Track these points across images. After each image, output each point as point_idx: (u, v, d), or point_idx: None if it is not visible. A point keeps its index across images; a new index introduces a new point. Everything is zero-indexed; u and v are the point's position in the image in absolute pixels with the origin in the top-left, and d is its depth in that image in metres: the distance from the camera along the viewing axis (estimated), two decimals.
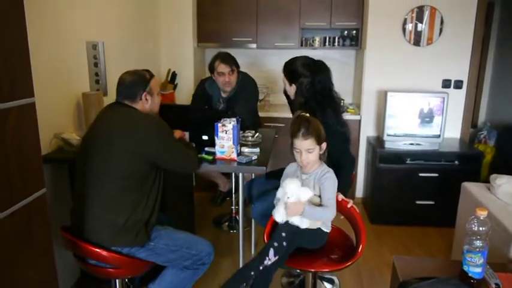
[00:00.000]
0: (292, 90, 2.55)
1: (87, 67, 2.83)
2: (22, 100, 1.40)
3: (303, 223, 1.96)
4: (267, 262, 1.91)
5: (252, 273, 1.90)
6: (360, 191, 4.25)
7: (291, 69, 2.53)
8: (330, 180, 2.02)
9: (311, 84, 2.46)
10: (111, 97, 2.14)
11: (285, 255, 1.98)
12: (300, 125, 1.98)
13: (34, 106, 1.47)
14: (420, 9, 3.79)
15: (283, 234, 1.94)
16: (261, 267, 1.91)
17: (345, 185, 2.28)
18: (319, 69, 2.49)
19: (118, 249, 1.91)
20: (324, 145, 2.03)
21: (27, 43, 1.42)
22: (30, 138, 1.47)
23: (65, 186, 2.51)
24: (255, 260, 1.94)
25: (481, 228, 1.47)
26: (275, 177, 2.42)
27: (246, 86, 3.29)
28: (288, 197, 1.94)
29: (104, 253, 1.87)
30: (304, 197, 1.94)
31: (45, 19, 2.36)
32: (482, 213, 1.47)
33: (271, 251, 1.91)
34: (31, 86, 1.45)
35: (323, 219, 2.04)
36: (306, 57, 2.56)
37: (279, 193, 2.02)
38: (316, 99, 2.43)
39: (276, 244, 1.92)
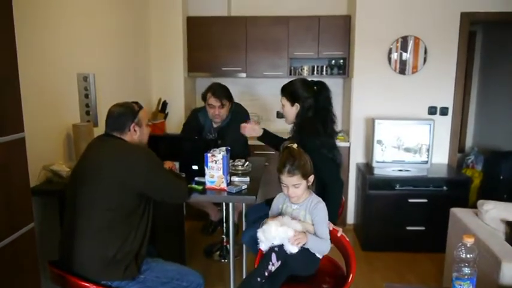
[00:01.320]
0: (293, 110, 2.58)
1: (78, 98, 2.85)
2: (12, 136, 1.41)
3: (294, 247, 1.95)
4: (271, 267, 1.90)
5: (259, 279, 1.89)
6: (350, 217, 4.25)
7: (292, 89, 2.58)
8: (322, 212, 2.03)
9: (314, 103, 2.52)
10: (101, 128, 2.16)
11: (279, 279, 1.97)
12: (286, 161, 2.00)
13: (24, 141, 1.48)
14: (404, 39, 3.91)
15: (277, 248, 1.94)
16: (266, 273, 1.90)
17: (334, 210, 2.29)
18: (321, 88, 2.56)
19: (108, 283, 1.88)
20: (311, 178, 2.05)
21: (18, 79, 1.44)
22: (19, 172, 1.48)
23: (54, 218, 2.48)
24: (259, 267, 1.94)
25: (468, 256, 1.49)
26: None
27: (239, 116, 3.32)
28: (273, 243, 1.93)
29: (93, 287, 1.84)
30: (289, 234, 1.93)
31: (36, 51, 2.39)
32: (469, 241, 1.49)
33: (273, 256, 1.91)
34: (21, 121, 1.46)
35: (320, 252, 2.05)
36: (305, 79, 2.64)
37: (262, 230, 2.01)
38: (319, 118, 2.48)
39: (276, 249, 1.92)
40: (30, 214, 1.53)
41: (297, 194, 2.03)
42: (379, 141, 3.68)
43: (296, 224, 1.95)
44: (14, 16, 1.43)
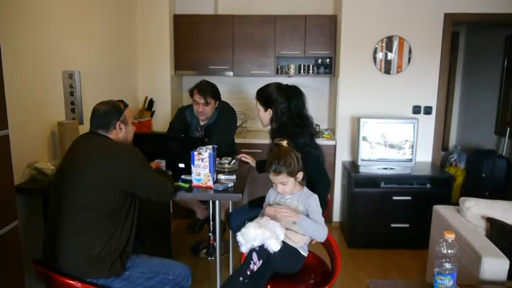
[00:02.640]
0: (267, 115, 2.62)
1: (63, 96, 2.83)
2: None
3: (274, 244, 1.96)
4: (253, 266, 1.92)
5: (241, 278, 1.91)
6: (336, 215, 4.30)
7: (266, 95, 2.61)
8: (315, 202, 2.06)
9: (287, 108, 2.53)
10: (87, 126, 2.15)
11: (263, 277, 1.99)
12: (272, 160, 2.02)
13: (8, 138, 1.47)
14: (389, 39, 3.96)
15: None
16: (248, 272, 1.92)
17: (321, 206, 2.32)
18: (294, 93, 2.58)
19: (93, 281, 1.88)
20: (300, 174, 2.07)
21: (2, 76, 1.43)
22: (3, 170, 1.47)
23: (38, 216, 2.46)
24: (241, 267, 1.95)
25: (449, 251, 1.53)
26: (258, 205, 2.46)
27: (225, 115, 3.34)
28: (253, 244, 1.94)
29: (79, 285, 1.83)
30: (266, 235, 1.94)
31: (21, 48, 2.37)
32: (450, 236, 1.53)
33: (254, 255, 1.92)
34: (5, 118, 1.45)
35: (317, 236, 2.04)
36: (279, 83, 2.65)
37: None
38: (294, 123, 2.50)
39: (256, 248, 1.93)
40: (14, 212, 1.52)
41: (285, 191, 2.05)
42: (364, 138, 3.72)
43: (274, 224, 1.97)
44: None
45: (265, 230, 1.91)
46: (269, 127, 2.69)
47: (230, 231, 2.94)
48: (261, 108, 2.64)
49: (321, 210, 2.06)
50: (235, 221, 2.72)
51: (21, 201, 2.30)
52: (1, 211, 1.45)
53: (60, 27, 2.77)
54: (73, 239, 1.87)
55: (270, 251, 1.92)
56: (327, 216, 2.87)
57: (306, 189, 2.12)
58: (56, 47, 2.73)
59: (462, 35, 5.08)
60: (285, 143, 2.10)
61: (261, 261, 1.93)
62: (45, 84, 2.64)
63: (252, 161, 2.93)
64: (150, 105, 4.20)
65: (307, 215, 2.03)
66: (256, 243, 1.93)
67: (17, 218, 1.52)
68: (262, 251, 1.92)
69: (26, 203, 2.39)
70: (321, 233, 2.02)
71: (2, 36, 1.43)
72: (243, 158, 2.96)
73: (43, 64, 2.60)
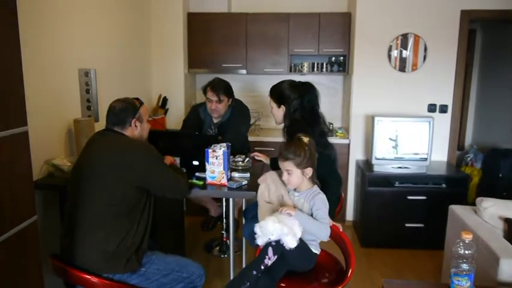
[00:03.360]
0: (280, 112, 2.61)
1: (79, 94, 2.86)
2: (15, 129, 1.42)
3: (291, 241, 1.96)
4: (267, 261, 1.92)
5: (255, 272, 1.91)
6: (350, 214, 4.27)
7: (279, 91, 2.60)
8: (321, 201, 2.04)
9: (300, 104, 2.52)
10: (102, 123, 2.17)
11: (277, 274, 1.99)
12: (283, 147, 2.06)
13: (27, 134, 1.49)
14: (404, 37, 3.92)
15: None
16: (262, 266, 1.92)
17: (331, 206, 2.31)
18: (307, 90, 2.57)
19: (109, 276, 1.90)
20: (308, 170, 2.05)
21: (21, 73, 1.45)
22: (23, 166, 1.49)
23: (55, 212, 2.50)
24: (256, 260, 1.95)
25: (466, 252, 1.50)
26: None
27: (239, 113, 3.34)
28: (270, 238, 1.94)
29: (95, 280, 1.85)
30: (285, 231, 1.93)
31: (39, 47, 2.40)
32: (467, 237, 1.51)
33: (270, 250, 1.92)
34: (24, 115, 1.47)
35: (317, 234, 2.03)
36: (293, 80, 2.65)
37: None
38: (306, 120, 2.49)
39: (273, 243, 1.93)
40: (33, 207, 1.54)
41: (290, 181, 2.06)
42: (378, 137, 3.68)
43: (294, 222, 1.96)
44: (18, 13, 1.44)
45: (284, 226, 1.91)
46: (283, 125, 2.68)
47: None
48: (274, 105, 2.64)
49: (326, 209, 2.05)
50: (250, 214, 2.74)
51: (39, 197, 2.34)
52: (21, 206, 1.47)
53: (76, 27, 2.80)
54: (90, 235, 1.89)
55: (286, 247, 1.92)
56: (340, 215, 2.86)
57: (315, 188, 2.11)
58: (73, 46, 2.77)
59: (479, 32, 5.00)
60: (306, 139, 2.08)
61: (276, 256, 1.93)
62: (62, 82, 2.67)
63: (265, 159, 2.94)
64: (163, 103, 4.23)
65: (311, 214, 2.03)
66: (273, 238, 1.93)
67: (35, 213, 1.55)
68: (278, 246, 1.92)
69: (43, 198, 2.43)
70: (321, 230, 2.00)
71: (21, 35, 1.44)
72: (256, 157, 2.96)
73: (60, 62, 2.63)
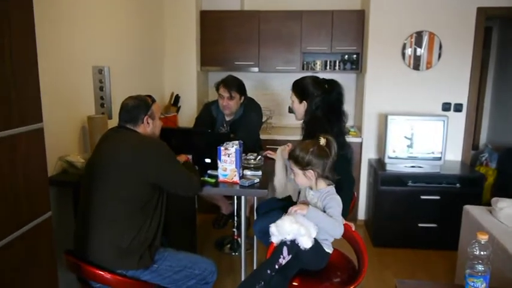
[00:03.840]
0: (301, 108, 2.59)
1: (93, 91, 2.89)
2: (31, 125, 1.44)
3: (306, 241, 1.95)
4: (282, 260, 1.91)
5: (269, 271, 1.90)
6: (362, 213, 4.24)
7: (302, 86, 2.58)
8: (335, 200, 2.03)
9: (323, 101, 2.51)
10: (115, 120, 2.19)
11: (290, 272, 1.98)
12: (295, 146, 2.08)
13: (42, 131, 1.50)
14: (419, 35, 3.87)
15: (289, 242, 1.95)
16: (276, 266, 1.91)
17: (344, 206, 2.30)
18: (332, 87, 2.56)
19: (123, 272, 1.92)
20: (310, 173, 2.01)
21: (37, 70, 1.47)
22: (38, 162, 1.50)
23: (69, 208, 2.53)
24: (270, 259, 1.95)
25: (482, 253, 1.48)
26: (285, 199, 2.49)
27: (251, 111, 3.34)
28: (286, 237, 1.93)
29: (108, 276, 1.87)
30: (302, 232, 1.93)
31: (53, 44, 2.43)
32: (483, 238, 1.48)
33: (285, 249, 1.91)
34: (40, 112, 1.49)
35: (330, 231, 2.00)
36: (316, 76, 2.63)
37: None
38: (328, 118, 2.48)
39: (288, 242, 1.93)
40: (47, 203, 1.56)
41: (296, 180, 2.07)
42: (392, 135, 3.65)
43: (310, 223, 1.95)
44: (34, 10, 1.46)
45: (301, 227, 1.90)
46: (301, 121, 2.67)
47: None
48: (296, 100, 2.61)
49: (339, 208, 2.03)
50: (262, 211, 2.77)
51: (53, 194, 2.36)
52: (36, 202, 1.49)
53: (90, 24, 2.82)
54: (103, 231, 1.91)
55: (301, 247, 1.91)
56: (351, 214, 2.84)
57: (330, 188, 2.07)
58: (87, 43, 2.79)
59: (495, 30, 4.91)
60: (323, 140, 2.05)
61: (290, 256, 1.92)
62: (77, 79, 2.70)
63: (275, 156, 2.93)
64: (176, 101, 4.24)
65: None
66: (289, 238, 1.92)
67: (50, 209, 1.56)
68: (293, 245, 1.92)
69: (57, 195, 2.45)
70: (334, 227, 1.96)
71: (37, 32, 1.46)
72: (268, 155, 2.95)
73: (75, 60, 2.66)
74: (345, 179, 2.42)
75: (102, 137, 2.14)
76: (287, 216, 1.97)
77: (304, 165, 2.01)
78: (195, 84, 4.33)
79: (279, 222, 1.95)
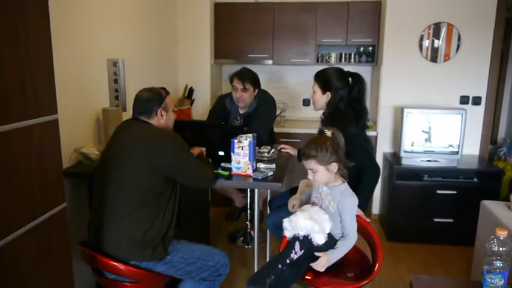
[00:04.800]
0: (323, 99, 2.55)
1: (107, 83, 2.90)
2: (46, 117, 1.44)
3: (320, 238, 1.94)
4: (294, 255, 1.90)
5: (280, 266, 1.89)
6: (376, 207, 4.20)
7: (326, 77, 2.54)
8: (350, 206, 1.98)
9: (347, 94, 2.49)
10: (130, 113, 2.19)
11: (301, 267, 1.97)
12: (306, 145, 1.99)
13: (57, 122, 1.51)
14: (437, 26, 3.79)
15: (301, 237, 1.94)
16: (288, 261, 1.90)
17: (366, 195, 2.28)
18: (357, 81, 2.53)
19: (136, 264, 1.93)
20: (334, 166, 1.96)
21: (52, 62, 1.47)
22: (53, 153, 1.51)
23: (83, 200, 2.55)
24: (282, 254, 1.94)
25: (501, 249, 1.45)
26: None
27: (265, 104, 3.32)
28: (299, 233, 1.92)
29: (122, 267, 1.89)
30: (316, 229, 1.91)
31: (68, 37, 2.44)
32: (502, 233, 1.45)
33: (297, 244, 1.90)
34: (55, 103, 1.50)
35: (348, 250, 2.00)
36: (341, 68, 2.60)
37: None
38: (352, 110, 2.46)
39: (301, 238, 1.92)
40: (62, 194, 1.57)
41: (316, 180, 2.00)
42: (408, 129, 3.59)
43: (324, 218, 1.93)
44: (49, 2, 1.46)
45: (315, 224, 1.88)
46: (321, 112, 2.63)
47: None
48: (319, 91, 2.56)
49: (354, 215, 2.00)
50: (275, 204, 2.77)
51: (68, 185, 2.39)
52: (50, 193, 1.50)
53: (105, 17, 2.83)
54: (117, 222, 1.92)
55: (314, 243, 1.90)
56: (367, 209, 2.80)
57: (345, 186, 2.04)
58: (101, 36, 2.80)
59: None
60: (329, 132, 2.00)
61: (303, 251, 1.91)
62: (91, 72, 2.71)
63: (292, 151, 2.91)
64: (190, 93, 4.24)
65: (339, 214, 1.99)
66: (302, 233, 1.91)
67: (64, 200, 1.58)
68: (305, 241, 1.91)
69: (72, 187, 2.48)
70: (349, 246, 1.98)
71: (52, 25, 1.46)
72: (282, 149, 2.94)
73: (89, 52, 2.67)
74: (370, 166, 2.40)
75: (116, 129, 2.14)
76: (301, 211, 1.96)
77: (327, 159, 1.94)
78: (208, 77, 4.32)
79: (292, 217, 1.94)
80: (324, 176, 1.98)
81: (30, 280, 1.43)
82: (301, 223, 1.90)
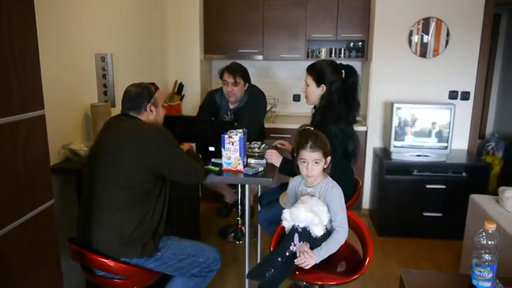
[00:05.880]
0: (318, 92, 2.52)
1: (96, 79, 2.86)
2: (33, 112, 1.42)
3: (319, 230, 1.95)
4: (293, 247, 1.92)
5: (280, 258, 1.90)
6: (366, 202, 4.23)
7: (320, 70, 2.51)
8: (337, 198, 2.01)
9: (341, 86, 2.47)
10: (118, 108, 2.17)
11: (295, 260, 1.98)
12: (308, 137, 1.98)
13: (44, 118, 1.48)
14: (426, 21, 3.80)
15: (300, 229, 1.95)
16: (287, 253, 1.91)
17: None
18: (351, 72, 2.52)
19: (126, 260, 1.91)
20: (329, 159, 2.03)
21: (38, 57, 1.44)
22: (40, 149, 1.49)
23: (71, 197, 2.52)
24: (281, 247, 1.94)
25: (489, 242, 1.46)
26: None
27: (255, 99, 3.31)
28: (299, 225, 1.93)
29: (112, 264, 1.87)
30: (315, 222, 1.92)
31: (55, 31, 2.40)
32: (490, 227, 1.46)
33: (296, 236, 1.91)
34: (41, 98, 1.47)
35: (340, 244, 2.01)
36: (333, 61, 2.58)
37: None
38: (345, 103, 2.45)
39: (299, 229, 1.92)
40: (50, 191, 1.54)
41: (315, 173, 2.00)
42: (397, 124, 3.61)
43: (323, 210, 1.94)
44: None
45: (316, 217, 1.90)
46: (311, 106, 2.63)
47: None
48: (313, 84, 2.52)
49: (344, 207, 2.02)
50: (265, 201, 2.77)
51: (56, 182, 2.35)
52: (38, 190, 1.48)
53: (93, 11, 2.79)
54: (106, 219, 1.90)
55: (313, 235, 1.92)
56: (356, 203, 2.82)
57: (328, 179, 2.06)
58: (89, 30, 2.76)
59: (504, 17, 4.82)
60: (311, 129, 2.07)
61: (301, 242, 1.92)
62: (79, 66, 2.67)
63: (290, 147, 2.89)
64: (179, 89, 4.21)
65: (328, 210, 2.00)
66: (301, 225, 1.92)
67: (52, 197, 1.55)
68: (304, 233, 1.92)
69: (60, 183, 2.44)
70: (341, 239, 1.98)
71: (38, 18, 1.43)
72: (279, 145, 2.92)
73: (77, 47, 2.63)
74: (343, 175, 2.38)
75: (105, 124, 2.12)
76: (302, 203, 1.96)
77: (328, 152, 2.01)
78: (198, 72, 4.29)
79: (294, 209, 1.95)
80: (321, 167, 2.01)
81: (18, 278, 1.40)
82: (302, 215, 1.91)
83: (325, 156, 2.00)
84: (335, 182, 2.05)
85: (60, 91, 2.46)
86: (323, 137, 2.01)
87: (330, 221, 2.00)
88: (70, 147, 2.45)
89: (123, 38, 3.27)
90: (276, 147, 2.87)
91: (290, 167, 2.30)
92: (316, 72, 2.52)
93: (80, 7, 2.64)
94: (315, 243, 1.95)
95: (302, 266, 1.93)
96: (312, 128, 2.09)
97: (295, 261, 1.93)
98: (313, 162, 1.98)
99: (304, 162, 2.01)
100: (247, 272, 2.59)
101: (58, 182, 2.41)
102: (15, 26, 1.33)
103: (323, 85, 2.49)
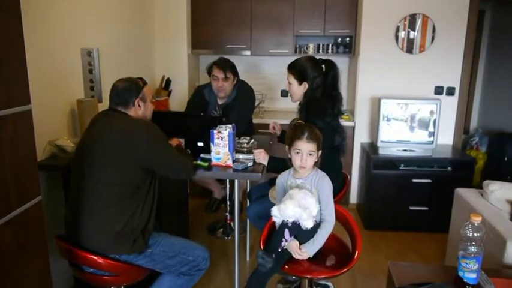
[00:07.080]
0: (301, 90, 2.53)
1: (82, 74, 2.82)
2: (19, 107, 1.39)
3: (309, 223, 1.96)
4: (284, 243, 1.94)
5: (274, 255, 1.93)
6: (354, 197, 4.26)
7: (301, 68, 2.51)
8: (327, 188, 2.03)
9: (322, 82, 2.48)
10: (105, 104, 2.14)
11: (285, 254, 1.99)
12: (304, 129, 2.01)
13: (30, 113, 1.46)
14: (413, 18, 3.84)
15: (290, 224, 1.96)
16: (279, 249, 1.94)
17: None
18: (330, 67, 2.53)
19: (116, 257, 1.90)
20: (320, 153, 2.06)
21: (23, 51, 1.42)
22: (26, 145, 1.46)
23: (58, 194, 2.49)
24: (273, 243, 1.97)
25: (475, 234, 1.49)
26: None
27: (244, 94, 3.30)
28: (288, 220, 1.95)
29: (101, 261, 1.85)
30: (304, 217, 1.94)
31: (41, 26, 2.36)
32: (476, 219, 1.49)
33: (287, 232, 1.93)
34: (27, 93, 1.44)
35: (328, 234, 2.04)
36: (313, 56, 2.58)
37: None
38: (328, 98, 2.47)
39: (289, 224, 1.94)
40: (37, 187, 1.52)
41: (308, 164, 2.02)
42: (384, 119, 3.65)
43: (311, 202, 1.96)
44: None
45: (303, 212, 1.92)
46: (297, 103, 2.64)
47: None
48: (295, 82, 2.53)
49: (331, 199, 2.05)
50: (254, 196, 2.78)
51: (42, 178, 2.32)
52: (24, 186, 1.46)
53: (79, 4, 2.75)
54: (95, 215, 1.88)
55: (303, 228, 1.94)
56: (344, 198, 2.84)
57: (318, 170, 2.09)
58: (75, 24, 2.72)
59: (488, 13, 4.89)
60: (302, 123, 2.10)
61: (292, 237, 1.94)
62: (65, 61, 2.63)
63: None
64: (167, 84, 4.18)
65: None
66: (291, 220, 1.94)
67: (40, 193, 1.53)
68: (294, 227, 1.94)
69: (47, 180, 2.41)
70: (329, 230, 2.02)
71: (23, 12, 1.41)
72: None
73: (63, 41, 2.59)
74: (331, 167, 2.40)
75: (92, 120, 2.09)
76: (290, 200, 1.97)
77: (320, 146, 2.04)
78: (186, 67, 4.27)
79: (282, 206, 1.96)
80: (313, 160, 2.04)
81: (6, 275, 1.38)
82: (289, 211, 1.92)
83: (319, 149, 2.03)
84: (324, 173, 2.08)
85: (46, 86, 2.42)
86: (317, 131, 2.04)
87: (319, 211, 2.02)
88: (56, 143, 2.41)
89: (109, 33, 3.22)
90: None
91: (278, 165, 2.32)
92: (297, 70, 2.53)
93: (66, 0, 2.60)
94: (306, 235, 1.97)
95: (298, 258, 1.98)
96: (300, 121, 2.11)
97: (293, 255, 1.97)
98: (307, 153, 2.00)
99: (298, 153, 2.01)
100: (236, 267, 2.60)
101: (44, 179, 2.38)
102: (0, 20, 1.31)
103: (305, 82, 2.50)
